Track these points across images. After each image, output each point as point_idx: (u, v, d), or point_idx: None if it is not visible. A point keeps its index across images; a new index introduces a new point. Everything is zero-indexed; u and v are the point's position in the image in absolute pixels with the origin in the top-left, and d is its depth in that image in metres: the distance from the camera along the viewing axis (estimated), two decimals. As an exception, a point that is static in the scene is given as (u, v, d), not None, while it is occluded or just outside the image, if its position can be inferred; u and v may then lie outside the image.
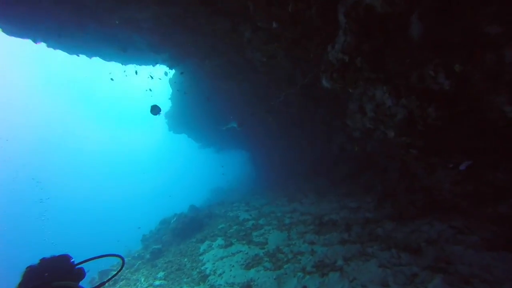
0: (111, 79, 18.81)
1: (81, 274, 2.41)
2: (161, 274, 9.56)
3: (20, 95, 56.84)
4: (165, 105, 21.75)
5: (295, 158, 16.30)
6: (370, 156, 11.23)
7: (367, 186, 11.72)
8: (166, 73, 15.39)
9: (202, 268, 9.08)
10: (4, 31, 10.84)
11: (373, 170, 11.65)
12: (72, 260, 2.38)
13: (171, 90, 19.40)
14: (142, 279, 9.76)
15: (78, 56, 13.06)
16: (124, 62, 14.29)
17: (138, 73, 15.45)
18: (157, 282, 9.00)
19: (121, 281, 10.19)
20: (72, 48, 12.53)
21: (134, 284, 9.46)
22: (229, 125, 12.94)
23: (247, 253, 9.35)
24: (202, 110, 18.10)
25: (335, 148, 13.07)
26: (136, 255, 12.47)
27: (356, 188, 12.27)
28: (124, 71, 17.85)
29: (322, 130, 13.20)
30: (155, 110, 8.47)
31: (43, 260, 2.25)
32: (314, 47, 6.72)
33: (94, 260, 2.62)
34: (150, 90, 19.33)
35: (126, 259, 12.96)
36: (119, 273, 2.97)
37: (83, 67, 46.52)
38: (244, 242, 10.20)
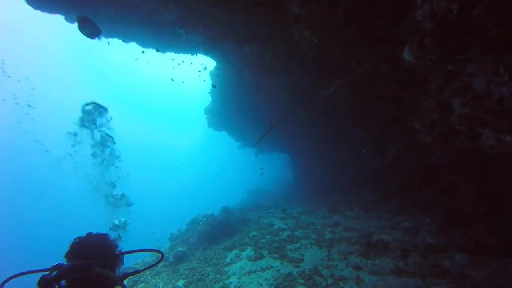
0: (171, 79, 18.42)
1: (122, 261, 2.28)
2: (181, 282, 8.73)
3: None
4: (205, 100, 21.25)
5: (340, 166, 14.71)
6: (431, 169, 9.40)
7: (425, 205, 9.88)
8: (205, 67, 14.62)
9: (226, 282, 8.05)
10: (28, 3, 10.59)
11: (435, 186, 9.77)
12: (119, 247, 2.30)
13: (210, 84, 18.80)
14: (161, 285, 9.03)
15: (107, 40, 12.81)
16: (162, 49, 13.87)
17: (179, 64, 14.99)
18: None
19: (140, 283, 9.59)
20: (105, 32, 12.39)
21: (152, 289, 8.76)
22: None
23: (278, 270, 8.14)
24: (242, 107, 17.16)
25: (388, 158, 11.36)
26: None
27: (410, 206, 10.48)
28: (179, 64, 17.38)
29: (374, 136, 11.55)
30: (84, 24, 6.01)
31: (91, 236, 2.15)
32: (385, 18, 5.21)
33: (134, 253, 2.49)
34: (172, 80, 18.60)
35: (150, 259, 12.54)
36: (150, 268, 2.76)
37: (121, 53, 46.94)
38: (276, 256, 9.00)
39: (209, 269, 9.27)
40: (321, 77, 9.78)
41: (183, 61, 15.71)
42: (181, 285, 8.53)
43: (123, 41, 13.11)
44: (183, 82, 18.47)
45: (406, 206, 10.65)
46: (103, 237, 2.20)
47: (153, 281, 9.64)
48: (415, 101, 5.66)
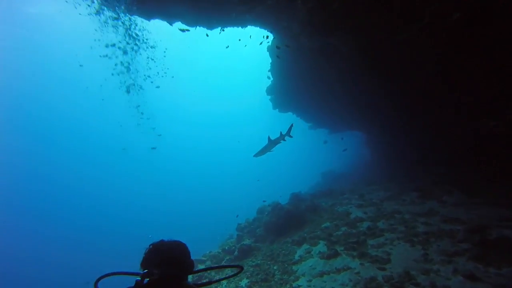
0: (227, 46, 17.59)
1: (193, 266, 2.05)
2: (244, 282, 7.89)
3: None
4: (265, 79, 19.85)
5: (430, 140, 11.98)
6: None
7: None
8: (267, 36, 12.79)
9: (294, 285, 6.88)
10: None
11: None
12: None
13: (270, 60, 17.31)
14: (224, 283, 8.35)
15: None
16: (210, 26, 12.94)
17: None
18: (240, 293, 7.36)
19: (204, 279, 9.09)
20: (151, 13, 12.01)
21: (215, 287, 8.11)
22: None
23: (358, 272, 6.61)
24: (307, 82, 15.21)
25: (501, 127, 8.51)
26: (226, 247, 11.32)
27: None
28: (239, 40, 16.26)
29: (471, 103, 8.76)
30: None
31: (170, 245, 1.97)
32: None
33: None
34: (227, 46, 17.38)
35: (216, 251, 12.13)
36: (225, 279, 2.51)
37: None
38: (354, 253, 7.45)
39: (275, 267, 8.22)
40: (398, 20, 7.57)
41: (250, 36, 14.35)
42: (243, 285, 7.69)
43: (168, 23, 12.59)
44: (227, 47, 17.12)
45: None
46: (183, 248, 2.02)
47: (217, 277, 9.06)
48: None
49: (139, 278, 1.69)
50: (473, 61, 7.24)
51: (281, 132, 10.78)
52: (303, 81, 16.00)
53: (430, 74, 9.09)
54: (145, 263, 1.86)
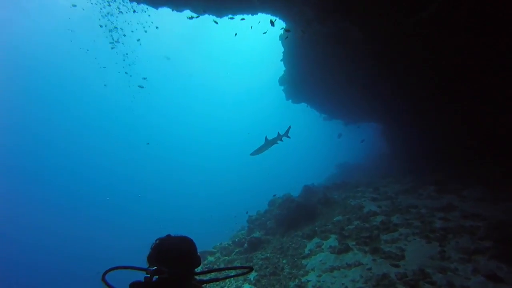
0: (235, 34, 17.26)
1: (200, 261, 2.04)
2: (252, 275, 7.72)
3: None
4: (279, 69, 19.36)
5: (451, 132, 11.37)
6: None
7: None
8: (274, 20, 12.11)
9: (303, 279, 6.68)
10: None
11: None
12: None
13: (282, 50, 16.83)
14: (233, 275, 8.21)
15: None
16: (219, 13, 12.60)
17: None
18: (246, 286, 7.19)
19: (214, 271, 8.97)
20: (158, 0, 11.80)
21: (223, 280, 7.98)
22: None
23: (370, 268, 6.33)
24: (322, 70, 14.62)
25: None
26: (237, 240, 11.20)
27: None
28: (252, 27, 16.05)
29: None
30: None
31: (178, 240, 1.94)
32: None
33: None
34: (236, 34, 16.96)
35: (226, 242, 12.05)
36: (233, 277, 2.49)
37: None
38: (366, 249, 7.15)
39: (284, 261, 8.03)
40: None
41: (259, 22, 13.94)
42: (252, 279, 7.54)
43: (177, 11, 12.36)
44: (235, 34, 16.77)
45: None
46: (190, 243, 1.98)
47: (223, 274, 8.93)
48: None
49: (148, 275, 1.65)
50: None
51: (278, 133, 11.14)
52: (318, 70, 15.45)
53: (455, 62, 8.52)
54: (152, 258, 1.82)
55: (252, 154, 11.26)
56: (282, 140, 11.18)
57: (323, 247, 8.01)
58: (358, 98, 15.75)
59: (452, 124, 10.97)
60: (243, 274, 2.61)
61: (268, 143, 10.99)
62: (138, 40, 26.35)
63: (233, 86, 71.42)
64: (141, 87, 25.88)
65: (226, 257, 9.83)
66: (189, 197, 53.04)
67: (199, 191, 54.79)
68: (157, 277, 1.64)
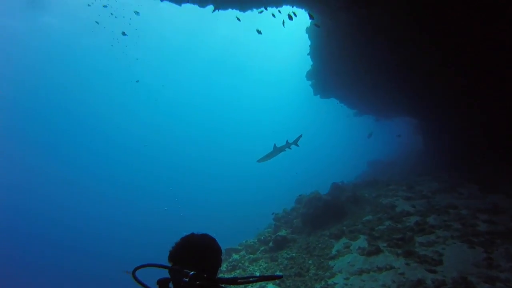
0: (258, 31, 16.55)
1: (221, 263, 1.95)
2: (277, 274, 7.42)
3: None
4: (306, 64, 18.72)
5: (496, 124, 10.31)
6: None
7: None
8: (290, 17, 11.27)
9: (329, 282, 6.29)
10: None
11: None
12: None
13: (309, 43, 16.20)
14: (257, 273, 8.00)
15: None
16: (242, 8, 12.29)
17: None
18: (270, 286, 6.91)
19: (238, 269, 8.85)
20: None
21: (248, 279, 7.78)
22: None
23: (402, 273, 5.82)
24: (353, 62, 13.82)
25: None
26: (262, 238, 10.92)
27: None
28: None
29: None
30: None
31: (202, 240, 1.87)
32: None
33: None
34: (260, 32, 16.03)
35: (251, 240, 11.82)
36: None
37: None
38: (399, 251, 6.61)
39: (310, 261, 7.65)
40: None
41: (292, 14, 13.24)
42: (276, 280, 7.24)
43: (200, 6, 12.21)
44: (259, 32, 16.02)
45: None
46: (213, 243, 1.90)
47: (251, 268, 8.75)
48: None
49: (186, 279, 1.54)
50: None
51: (287, 141, 11.19)
52: (348, 62, 14.67)
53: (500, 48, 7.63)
54: (174, 254, 1.77)
55: (259, 160, 11.36)
56: (290, 148, 11.29)
57: (351, 248, 7.53)
58: (391, 90, 14.80)
59: (499, 117, 9.92)
60: (272, 278, 2.26)
61: (277, 150, 11.11)
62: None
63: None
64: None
65: (251, 255, 9.58)
66: (218, 192, 53.38)
67: (230, 188, 54.94)
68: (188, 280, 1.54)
